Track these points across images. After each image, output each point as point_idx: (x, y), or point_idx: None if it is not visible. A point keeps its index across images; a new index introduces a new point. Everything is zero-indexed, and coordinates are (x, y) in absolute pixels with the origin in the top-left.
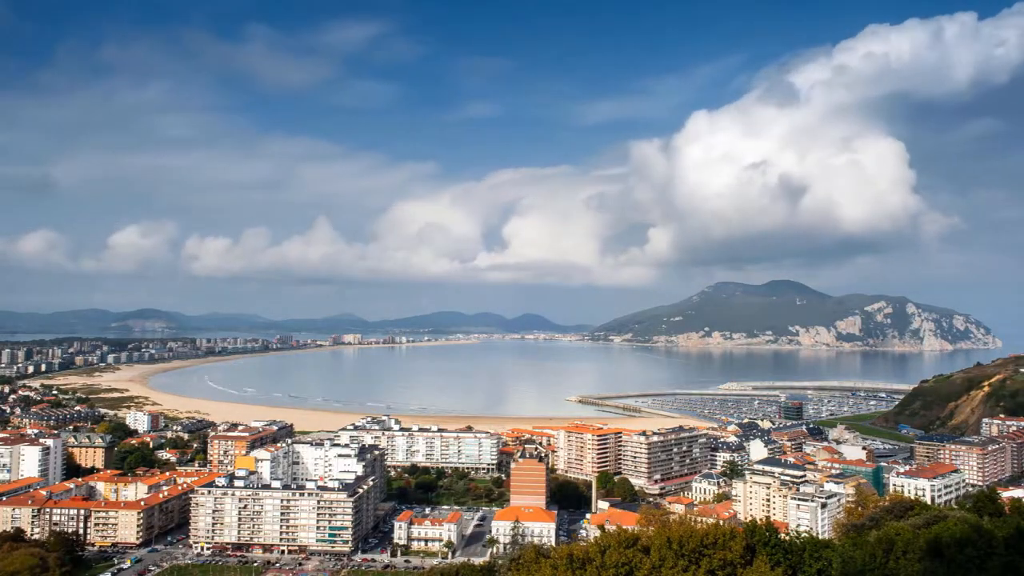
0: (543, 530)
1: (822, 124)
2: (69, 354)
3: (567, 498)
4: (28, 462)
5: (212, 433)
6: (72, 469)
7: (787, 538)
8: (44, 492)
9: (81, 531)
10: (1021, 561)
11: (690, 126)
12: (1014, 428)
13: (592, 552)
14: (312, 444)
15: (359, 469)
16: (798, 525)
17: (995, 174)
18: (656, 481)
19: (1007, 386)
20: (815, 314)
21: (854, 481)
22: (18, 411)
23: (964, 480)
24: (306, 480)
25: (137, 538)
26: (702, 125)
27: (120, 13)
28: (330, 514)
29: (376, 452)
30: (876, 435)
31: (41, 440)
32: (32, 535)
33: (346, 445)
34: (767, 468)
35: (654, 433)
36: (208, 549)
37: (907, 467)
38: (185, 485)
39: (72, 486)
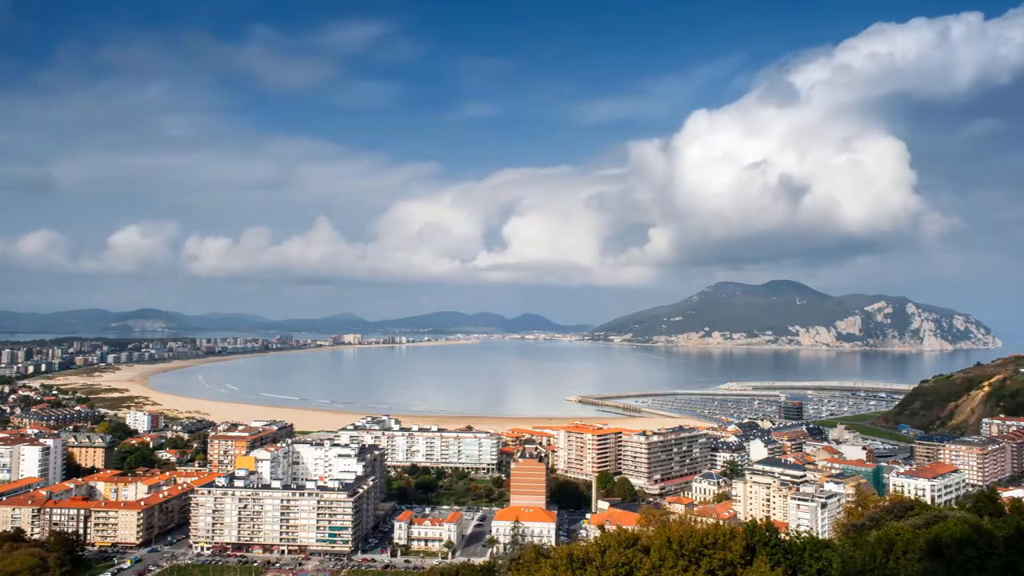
0: (543, 530)
1: (823, 124)
2: (69, 354)
3: (567, 498)
4: (28, 462)
5: (212, 433)
6: (72, 469)
7: (787, 538)
8: (44, 492)
9: (81, 531)
10: (1021, 561)
11: (690, 126)
12: (1014, 428)
13: (592, 552)
14: (312, 444)
15: (359, 469)
16: (798, 525)
17: (995, 174)
18: (656, 481)
19: (1007, 386)
20: (815, 314)
21: (854, 481)
22: (18, 411)
23: (964, 480)
24: (306, 480)
25: (137, 538)
26: (702, 125)
27: (120, 13)
28: (330, 514)
29: (376, 452)
30: (876, 435)
31: (41, 440)
32: (32, 535)
33: (346, 445)
34: (767, 468)
35: (654, 433)
36: (208, 549)
37: (907, 467)
38: (185, 485)
39: (72, 486)
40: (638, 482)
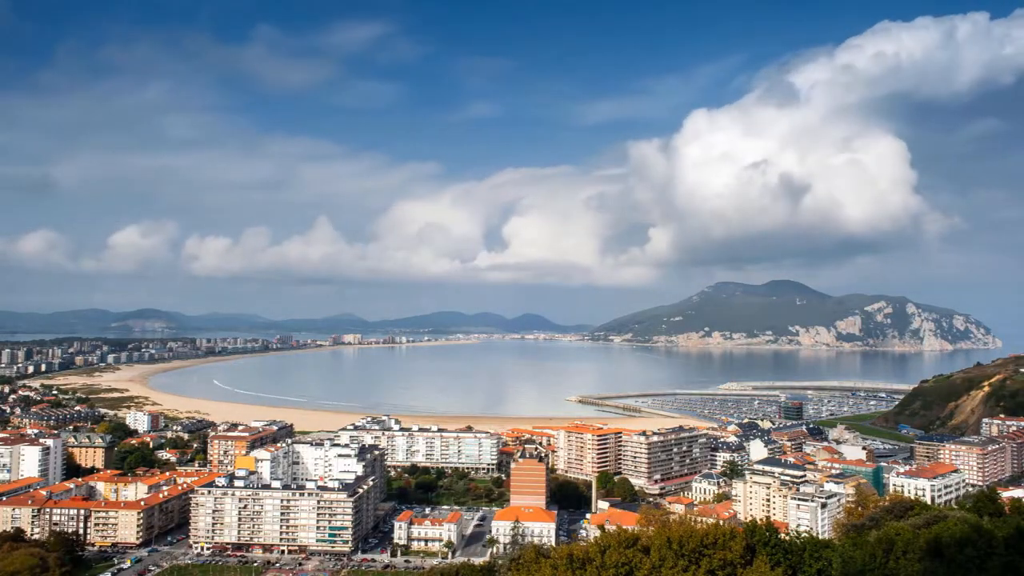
0: (543, 530)
1: (823, 124)
2: (69, 354)
3: (567, 498)
4: (28, 462)
5: (212, 433)
6: (72, 469)
7: (787, 538)
8: (44, 492)
9: (81, 531)
10: (1021, 561)
11: (690, 126)
12: (1014, 428)
13: (592, 552)
14: (312, 444)
15: (359, 469)
16: (798, 525)
17: (995, 174)
18: (656, 481)
19: (1007, 386)
20: (815, 314)
21: (854, 481)
22: (18, 411)
23: (964, 480)
24: (306, 480)
25: (137, 538)
26: (702, 125)
27: (121, 13)
28: (330, 514)
29: (376, 452)
30: (876, 435)
31: (41, 440)
32: (32, 535)
33: (346, 445)
34: (767, 468)
35: (654, 433)
36: (208, 549)
37: (907, 467)
38: (185, 485)
39: (72, 486)
40: (638, 482)
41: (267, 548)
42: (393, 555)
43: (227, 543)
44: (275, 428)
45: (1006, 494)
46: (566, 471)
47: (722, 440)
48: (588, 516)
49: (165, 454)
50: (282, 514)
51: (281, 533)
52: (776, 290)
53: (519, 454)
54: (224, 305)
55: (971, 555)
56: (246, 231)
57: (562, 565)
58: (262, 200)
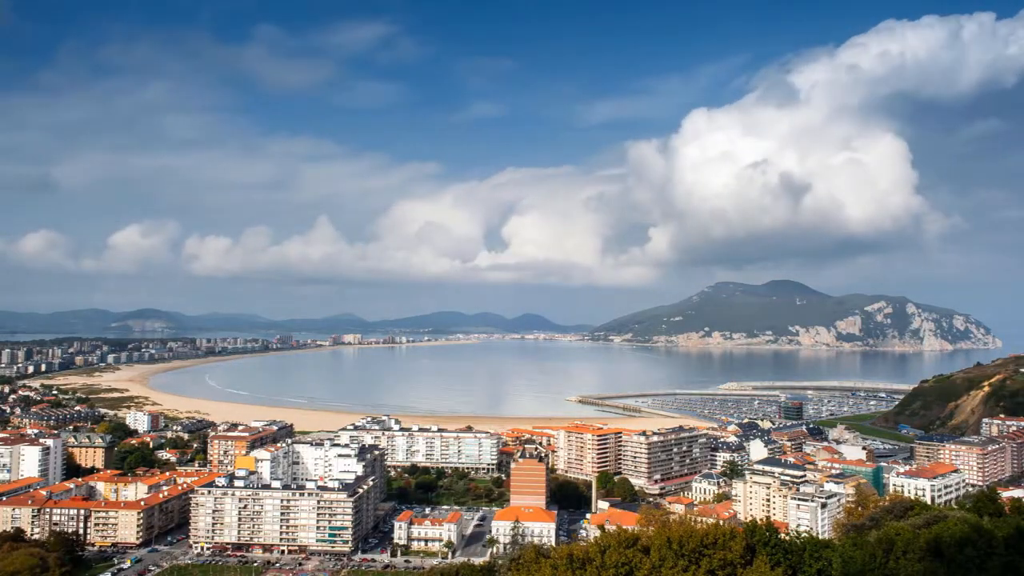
0: (543, 530)
1: (824, 123)
2: (69, 354)
3: (567, 498)
4: (28, 462)
5: (212, 433)
6: (72, 469)
7: (787, 538)
8: (44, 492)
9: (81, 531)
10: (1021, 561)
11: (690, 125)
12: (1014, 428)
13: (592, 552)
14: (312, 444)
15: (359, 469)
16: (798, 525)
17: (996, 174)
18: (656, 481)
19: (1007, 386)
20: (815, 314)
21: (854, 481)
22: (18, 411)
23: (964, 480)
24: (306, 480)
25: (137, 538)
26: (702, 124)
27: (122, 13)
28: (330, 514)
29: (376, 452)
30: (876, 435)
31: (41, 440)
32: (32, 535)
33: (346, 445)
34: (767, 468)
35: (654, 433)
36: (208, 549)
37: (907, 467)
38: (185, 485)
39: (72, 486)
40: (638, 482)
41: (267, 548)
42: (393, 555)
43: (227, 543)
44: (275, 428)
45: (1006, 494)
46: (566, 471)
47: (722, 440)
48: (588, 516)
49: (165, 454)
50: (282, 514)
51: (281, 533)
52: (776, 290)
53: (519, 454)
54: (224, 305)
55: (971, 555)
56: (246, 231)
57: (562, 565)
58: (262, 200)
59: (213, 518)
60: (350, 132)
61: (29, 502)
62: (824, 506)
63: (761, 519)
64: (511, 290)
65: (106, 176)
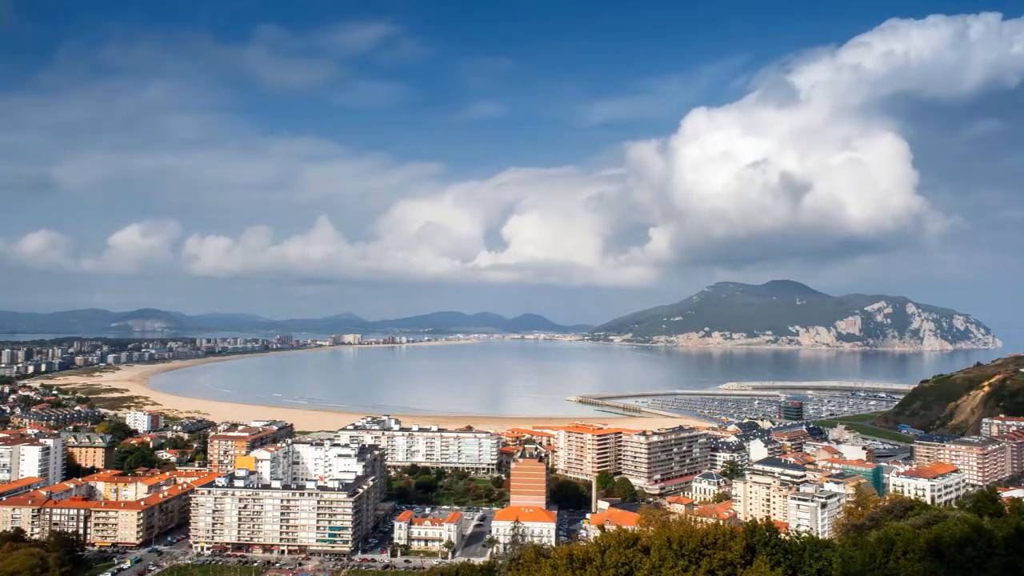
0: (543, 530)
1: (825, 123)
2: (69, 354)
3: (567, 498)
4: (28, 462)
5: (212, 433)
6: (72, 469)
7: (787, 538)
8: (44, 492)
9: (81, 531)
10: (1021, 561)
11: (690, 125)
12: (1014, 428)
13: (592, 552)
14: (312, 444)
15: (359, 469)
16: (798, 525)
17: (996, 174)
18: (656, 481)
19: (1007, 386)
20: (815, 314)
21: (854, 481)
22: (18, 411)
23: (964, 480)
24: (306, 480)
25: (137, 538)
26: (702, 124)
27: (122, 13)
28: (330, 514)
29: (376, 452)
30: (876, 435)
31: (41, 440)
32: (32, 535)
33: (346, 445)
34: (767, 468)
35: (654, 433)
36: (208, 549)
37: (907, 467)
38: (185, 485)
39: (72, 486)
40: (638, 482)
41: (267, 548)
42: (393, 555)
43: (227, 543)
44: (275, 428)
45: (1006, 494)
46: (566, 471)
47: (722, 440)
48: (588, 516)
49: (165, 454)
50: (282, 514)
51: (281, 533)
52: (776, 290)
53: (519, 454)
54: (224, 305)
55: (971, 555)
56: (246, 231)
57: (562, 565)
58: (263, 200)
59: (213, 518)
60: (352, 132)
61: (29, 502)
62: (824, 506)
63: (761, 519)
64: (511, 290)
65: (106, 176)
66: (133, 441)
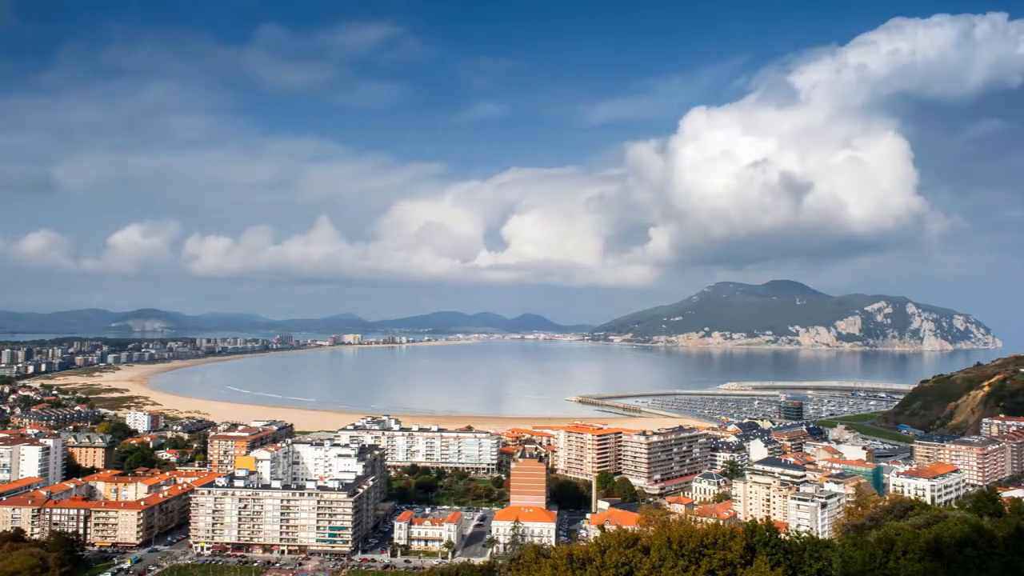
0: (543, 530)
1: (826, 122)
2: (69, 354)
3: (567, 498)
4: (28, 462)
5: (212, 433)
6: (72, 469)
7: (787, 538)
8: (44, 492)
9: (81, 531)
10: (1021, 561)
11: (690, 125)
12: (1014, 428)
13: (592, 552)
14: (312, 444)
15: (359, 469)
16: (798, 525)
17: (997, 174)
18: (656, 481)
19: (1007, 386)
20: (815, 314)
21: (854, 481)
22: (18, 411)
23: (964, 480)
24: (306, 480)
25: (137, 538)
26: (702, 124)
27: (123, 14)
28: (330, 514)
29: (376, 452)
30: (876, 435)
31: (41, 440)
32: (32, 535)
33: (346, 445)
34: (767, 468)
35: (654, 433)
36: (208, 549)
37: (907, 467)
38: (185, 485)
39: (72, 486)
40: (638, 482)
41: (267, 548)
42: (393, 555)
43: (227, 543)
44: (275, 428)
45: (1006, 494)
46: (566, 471)
47: (722, 440)
48: (588, 516)
49: (165, 454)
50: (282, 514)
51: (281, 533)
52: (776, 290)
53: (519, 454)
54: (224, 305)
55: (971, 555)
56: (247, 231)
57: (562, 565)
58: (263, 200)
59: (213, 518)
60: (352, 132)
61: (29, 502)
62: (824, 506)
63: (761, 519)
64: (511, 290)
65: (107, 176)
66: (133, 441)
